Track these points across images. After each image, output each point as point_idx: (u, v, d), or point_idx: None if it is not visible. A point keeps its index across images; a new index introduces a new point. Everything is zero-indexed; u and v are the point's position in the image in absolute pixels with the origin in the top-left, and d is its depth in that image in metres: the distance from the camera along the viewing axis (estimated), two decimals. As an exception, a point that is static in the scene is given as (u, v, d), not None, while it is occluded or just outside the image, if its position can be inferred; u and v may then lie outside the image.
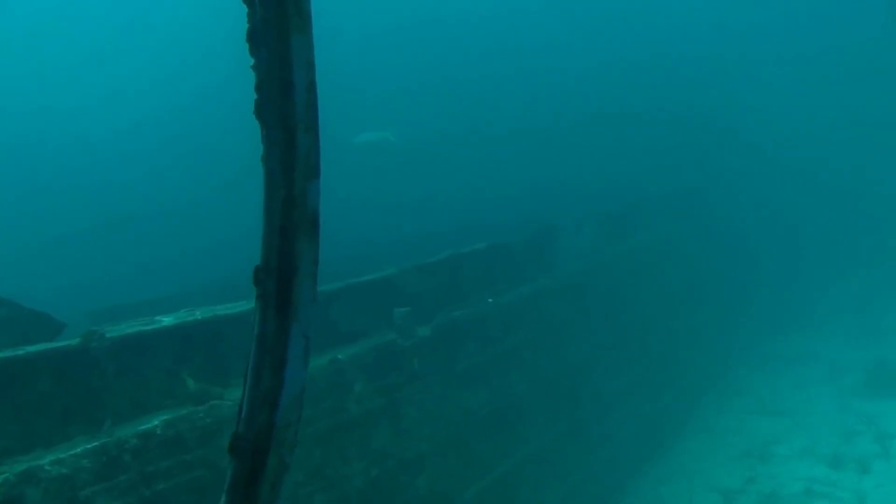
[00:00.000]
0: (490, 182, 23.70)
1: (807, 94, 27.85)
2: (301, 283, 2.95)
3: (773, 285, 22.03)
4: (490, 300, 10.24)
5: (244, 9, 2.75)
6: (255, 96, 3.09)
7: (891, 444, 12.96)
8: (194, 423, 6.38)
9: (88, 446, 5.67)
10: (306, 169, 3.05)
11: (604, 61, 29.96)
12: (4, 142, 28.74)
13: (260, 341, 2.95)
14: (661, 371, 14.42)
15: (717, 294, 18.59)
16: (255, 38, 3.09)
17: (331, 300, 8.53)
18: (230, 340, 7.35)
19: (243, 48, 2.96)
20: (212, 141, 28.49)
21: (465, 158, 26.67)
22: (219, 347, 7.26)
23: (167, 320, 7.04)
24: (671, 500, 12.21)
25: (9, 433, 5.50)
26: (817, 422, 14.49)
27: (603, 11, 31.38)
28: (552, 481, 10.43)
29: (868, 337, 18.84)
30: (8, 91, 31.77)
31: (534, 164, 24.82)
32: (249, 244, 3.24)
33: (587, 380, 11.85)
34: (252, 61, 3.10)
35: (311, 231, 3.00)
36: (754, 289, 20.96)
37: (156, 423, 6.17)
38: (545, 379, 10.78)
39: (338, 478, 7.33)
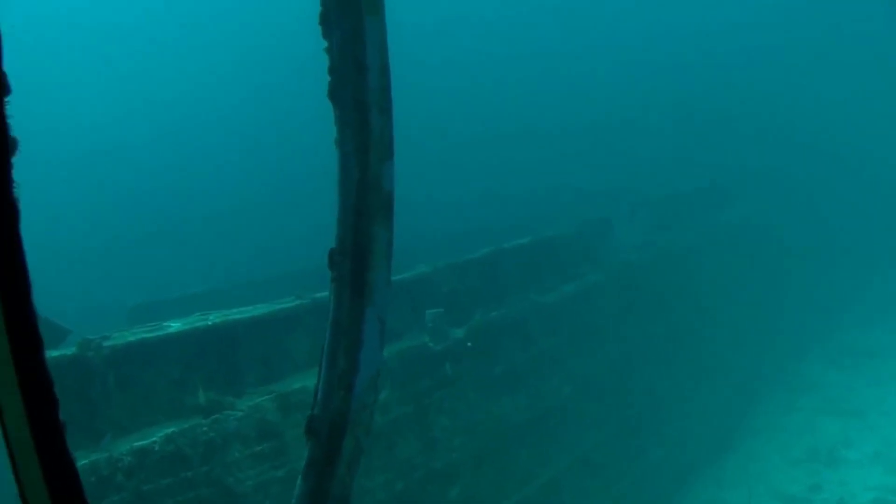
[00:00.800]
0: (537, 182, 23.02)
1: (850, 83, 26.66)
2: (376, 266, 3.22)
3: (850, 276, 21.01)
4: (533, 298, 9.65)
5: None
6: (328, 79, 3.18)
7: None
8: (196, 437, 5.96)
9: (78, 464, 5.26)
10: (380, 150, 3.18)
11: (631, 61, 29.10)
12: (82, 147, 28.77)
13: (335, 324, 3.20)
14: (722, 366, 13.69)
15: (787, 284, 17.73)
16: (328, 21, 3.17)
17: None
18: (245, 346, 6.97)
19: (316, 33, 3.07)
20: (289, 134, 28.04)
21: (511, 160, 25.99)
22: (232, 354, 6.87)
23: (175, 326, 6.67)
24: (729, 507, 11.58)
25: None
26: (891, 424, 13.62)
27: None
28: (599, 488, 9.85)
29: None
30: (81, 95, 31.89)
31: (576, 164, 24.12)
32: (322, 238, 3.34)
33: (638, 377, 11.20)
34: (325, 44, 3.22)
35: (385, 213, 3.20)
36: (830, 279, 20.00)
37: (155, 438, 5.78)
38: (591, 379, 10.18)
39: (356, 491, 6.86)
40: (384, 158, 3.25)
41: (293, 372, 7.07)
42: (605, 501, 9.92)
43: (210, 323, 6.80)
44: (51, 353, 5.81)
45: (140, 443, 5.72)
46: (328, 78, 3.24)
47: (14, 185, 1.44)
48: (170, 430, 5.91)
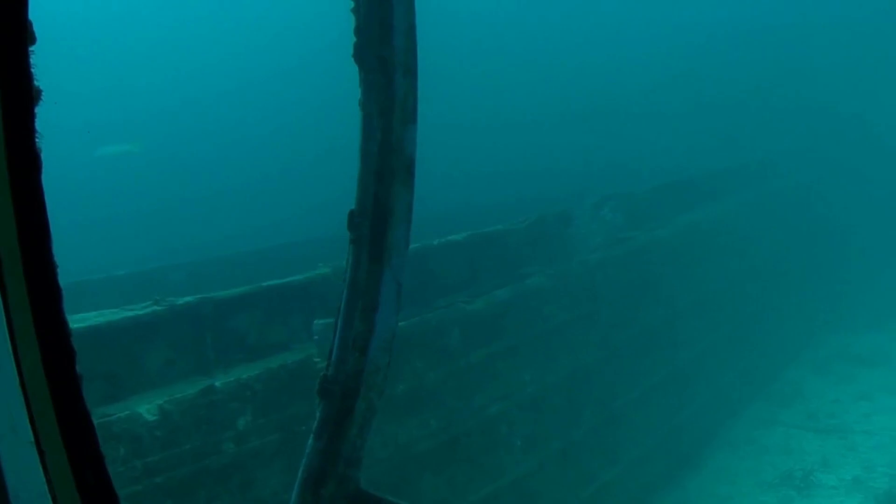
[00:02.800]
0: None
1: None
2: (395, 228, 3.18)
3: (854, 274, 19.76)
4: (459, 305, 8.47)
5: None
6: (354, 39, 3.15)
7: (959, 482, 10.96)
8: None
9: None
10: (404, 113, 3.15)
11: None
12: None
13: (352, 285, 3.22)
14: (700, 375, 12.54)
15: (781, 282, 16.49)
16: (355, -19, 3.06)
17: (237, 309, 6.98)
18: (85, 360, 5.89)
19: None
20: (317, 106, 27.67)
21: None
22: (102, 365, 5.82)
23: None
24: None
25: None
26: (876, 445, 12.44)
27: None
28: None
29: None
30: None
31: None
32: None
33: (593, 391, 10.04)
34: (352, 5, 3.18)
35: (406, 176, 3.18)
36: (830, 277, 18.77)
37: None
38: (529, 397, 9.02)
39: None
40: (407, 121, 3.19)
41: (146, 388, 6.01)
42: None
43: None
44: None
45: None
46: (354, 38, 3.17)
47: (37, 135, 1.40)
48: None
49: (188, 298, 6.61)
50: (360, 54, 3.20)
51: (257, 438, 6.24)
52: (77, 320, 5.96)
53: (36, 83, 1.38)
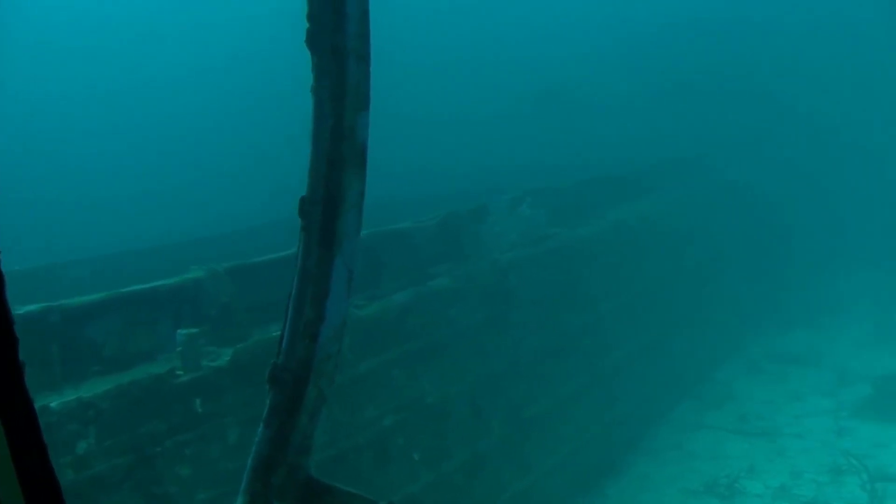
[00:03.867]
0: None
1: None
2: (346, 215, 3.28)
3: (790, 270, 19.42)
4: (352, 308, 7.90)
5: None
6: (307, 25, 3.19)
7: (883, 490, 10.56)
8: None
9: None
10: (356, 100, 3.20)
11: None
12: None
13: (302, 273, 3.33)
14: (625, 377, 12.06)
15: (716, 280, 16.08)
16: (308, -34, 3.13)
17: (91, 317, 6.37)
18: None
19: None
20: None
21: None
22: None
23: None
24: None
25: None
26: (805, 449, 12.07)
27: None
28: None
29: (886, 340, 16.24)
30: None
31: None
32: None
33: (499, 399, 9.52)
34: None
35: (358, 163, 3.27)
36: (766, 275, 18.40)
37: None
38: (429, 408, 8.48)
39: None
40: (360, 108, 3.20)
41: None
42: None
43: None
44: None
45: None
46: (307, 25, 3.17)
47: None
48: None
49: (31, 307, 5.99)
50: (313, 40, 3.18)
51: (102, 463, 5.63)
52: None
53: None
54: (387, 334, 8.08)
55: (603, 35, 27.45)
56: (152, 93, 30.51)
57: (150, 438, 5.94)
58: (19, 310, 5.88)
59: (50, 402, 5.48)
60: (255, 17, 31.66)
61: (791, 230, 20.10)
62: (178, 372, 6.30)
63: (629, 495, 11.22)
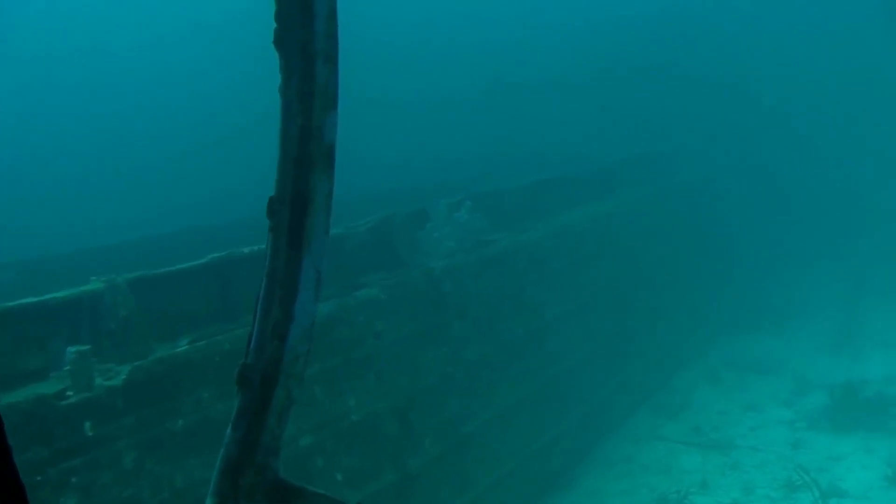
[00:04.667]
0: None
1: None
2: (315, 216, 3.23)
3: (748, 270, 19.06)
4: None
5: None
6: (274, 25, 3.16)
7: (836, 507, 10.20)
8: None
9: None
10: (324, 100, 3.18)
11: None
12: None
13: (271, 273, 3.24)
14: (566, 389, 11.58)
15: (673, 285, 15.62)
16: (276, -35, 3.21)
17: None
18: None
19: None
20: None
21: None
22: None
23: None
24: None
25: None
26: (759, 463, 11.65)
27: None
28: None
29: (846, 345, 15.87)
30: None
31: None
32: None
33: (432, 414, 9.02)
34: None
35: (326, 163, 3.24)
36: (723, 274, 17.99)
37: None
38: (352, 425, 7.98)
39: None
40: (328, 108, 3.20)
41: None
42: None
43: None
44: None
45: None
46: (274, 24, 3.16)
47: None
48: None
49: None
50: (281, 40, 3.16)
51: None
52: None
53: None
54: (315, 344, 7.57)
55: (573, 20, 26.90)
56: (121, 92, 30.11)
57: (31, 466, 5.41)
58: None
59: None
60: (222, 13, 31.21)
61: (756, 230, 19.77)
62: (69, 393, 5.77)
63: (577, 512, 10.81)
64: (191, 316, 7.25)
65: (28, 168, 25.31)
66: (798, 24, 24.77)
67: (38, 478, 5.49)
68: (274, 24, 3.18)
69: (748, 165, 20.91)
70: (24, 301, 6.32)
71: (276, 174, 3.24)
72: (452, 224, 10.01)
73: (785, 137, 22.50)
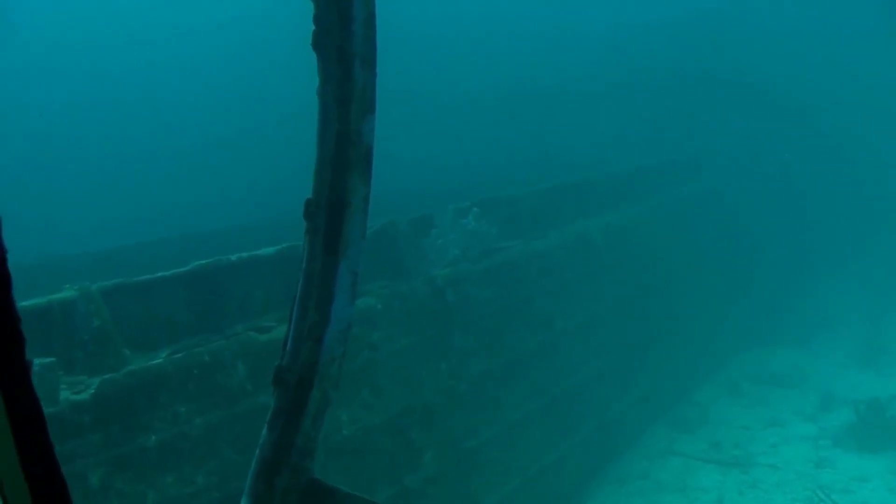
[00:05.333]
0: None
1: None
2: (352, 219, 3.26)
3: (770, 279, 18.49)
4: (250, 334, 7.02)
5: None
6: (312, 28, 3.18)
7: (860, 532, 9.71)
8: None
9: None
10: (362, 104, 3.18)
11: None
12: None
13: (307, 276, 3.31)
14: (578, 403, 11.14)
15: (692, 296, 15.12)
16: (314, -31, 3.11)
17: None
18: None
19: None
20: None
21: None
22: None
23: None
24: None
25: None
26: (779, 482, 11.16)
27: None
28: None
29: (873, 359, 15.33)
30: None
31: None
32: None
33: (433, 429, 8.62)
34: None
35: (364, 167, 3.25)
36: (744, 284, 17.43)
37: None
38: (344, 440, 7.60)
39: None
40: (365, 112, 3.18)
41: None
42: None
43: None
44: None
45: None
46: (313, 27, 3.15)
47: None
48: None
49: None
50: (319, 43, 3.16)
51: None
52: None
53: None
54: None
55: (595, 27, 26.41)
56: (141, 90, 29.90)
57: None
58: None
59: None
60: (256, 15, 31.01)
61: (778, 238, 19.21)
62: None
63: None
64: (172, 327, 6.89)
65: (29, 168, 25.13)
66: (817, 26, 24.25)
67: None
68: (312, 27, 3.21)
69: (772, 171, 20.31)
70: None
71: (313, 177, 3.29)
72: (458, 231, 9.64)
73: (810, 142, 21.89)
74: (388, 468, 7.99)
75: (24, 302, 6.14)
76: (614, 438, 11.92)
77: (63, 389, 5.75)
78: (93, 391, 5.79)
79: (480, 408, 9.24)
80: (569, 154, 18.51)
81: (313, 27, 3.19)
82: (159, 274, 6.96)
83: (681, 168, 16.58)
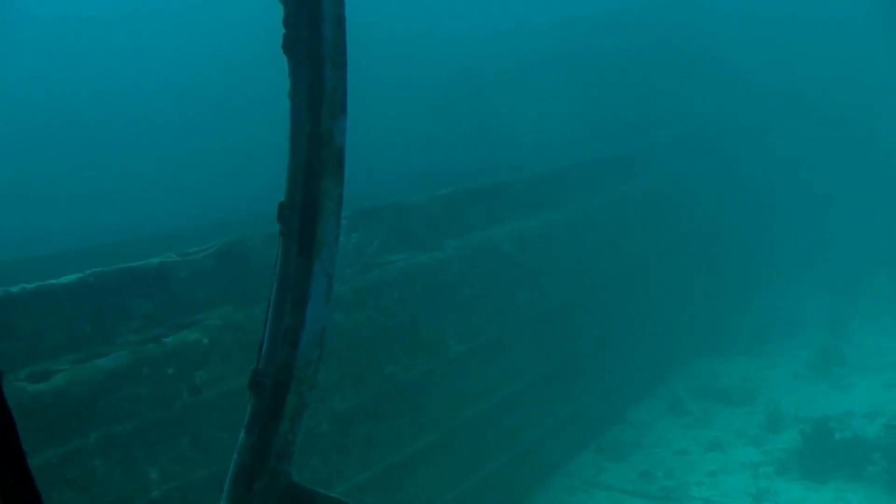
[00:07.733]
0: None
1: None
2: (325, 222, 3.26)
3: (731, 284, 17.26)
4: (20, 382, 5.80)
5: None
6: (282, 30, 3.18)
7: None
8: None
9: None
10: (333, 106, 3.19)
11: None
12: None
13: (281, 279, 3.30)
14: (487, 432, 9.94)
15: (628, 301, 13.81)
16: (284, -30, 3.17)
17: None
18: None
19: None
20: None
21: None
22: None
23: None
24: None
25: None
26: (714, 522, 10.00)
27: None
28: None
29: (829, 371, 14.16)
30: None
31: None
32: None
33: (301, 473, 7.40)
34: None
35: (336, 169, 3.27)
36: (700, 290, 16.18)
37: None
38: (150, 502, 6.40)
39: None
40: (337, 114, 3.19)
41: None
42: None
43: None
44: None
45: None
46: (283, 30, 3.16)
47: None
48: None
49: None
50: (289, 46, 3.17)
51: None
52: None
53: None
54: (82, 413, 6.00)
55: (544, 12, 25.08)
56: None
57: None
58: None
59: None
60: (231, 18, 30.15)
61: (740, 241, 18.00)
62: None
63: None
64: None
65: (32, 167, 24.23)
66: (772, 14, 23.11)
67: None
68: (282, 30, 3.17)
69: (729, 168, 19.08)
70: None
71: (285, 180, 3.26)
72: (353, 243, 8.41)
73: (770, 137, 20.71)
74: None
75: None
76: (530, 471, 10.70)
77: None
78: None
79: (346, 450, 8.02)
80: (510, 153, 17.29)
81: (284, 30, 3.17)
82: (49, 282, 5.95)
83: (620, 165, 15.23)
